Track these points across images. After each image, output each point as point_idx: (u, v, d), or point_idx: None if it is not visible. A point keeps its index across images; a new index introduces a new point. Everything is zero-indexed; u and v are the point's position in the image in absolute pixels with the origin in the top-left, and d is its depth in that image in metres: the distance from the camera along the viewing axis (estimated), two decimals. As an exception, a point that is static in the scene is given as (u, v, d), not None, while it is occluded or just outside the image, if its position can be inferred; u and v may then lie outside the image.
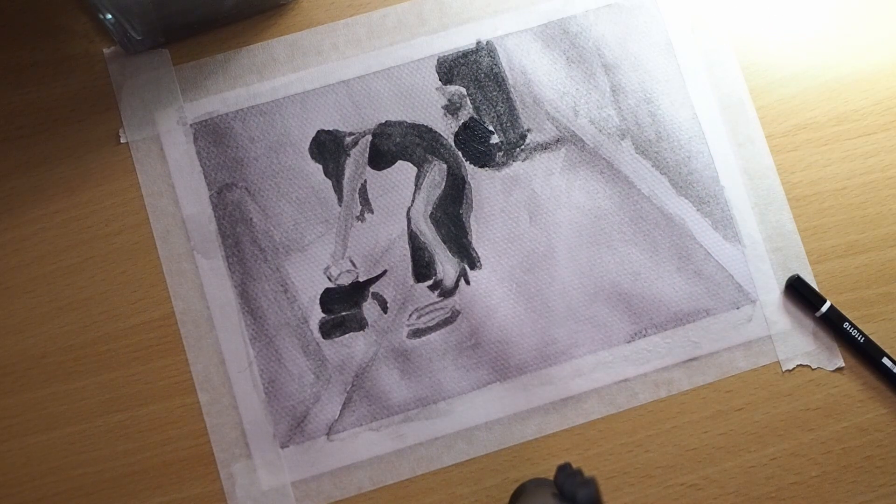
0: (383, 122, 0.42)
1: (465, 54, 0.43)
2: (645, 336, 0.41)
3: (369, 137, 0.42)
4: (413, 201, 0.42)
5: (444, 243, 0.42)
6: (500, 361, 0.41)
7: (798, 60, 0.44)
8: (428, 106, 0.43)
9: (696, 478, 0.41)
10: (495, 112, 0.43)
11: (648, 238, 0.42)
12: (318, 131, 0.42)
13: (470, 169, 0.42)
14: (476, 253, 0.42)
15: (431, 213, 0.42)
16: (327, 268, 0.41)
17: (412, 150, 0.42)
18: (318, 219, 0.42)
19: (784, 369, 0.41)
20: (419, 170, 0.42)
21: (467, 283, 0.41)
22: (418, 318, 0.41)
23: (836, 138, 0.43)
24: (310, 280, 0.41)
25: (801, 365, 0.41)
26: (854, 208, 0.42)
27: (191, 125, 0.42)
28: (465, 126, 0.43)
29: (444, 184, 0.42)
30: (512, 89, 0.43)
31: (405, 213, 0.42)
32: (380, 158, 0.42)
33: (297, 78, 0.43)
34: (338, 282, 0.41)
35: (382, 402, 0.41)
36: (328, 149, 0.42)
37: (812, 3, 0.44)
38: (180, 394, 0.40)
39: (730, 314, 0.42)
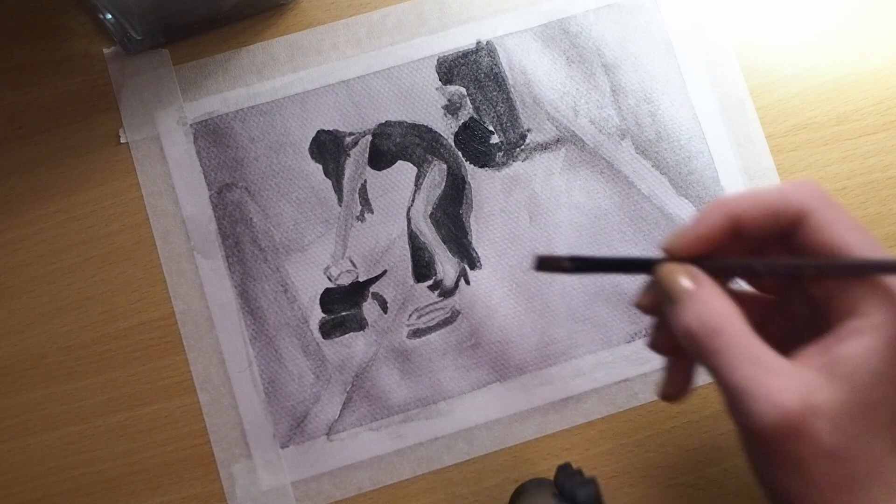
0: (383, 122, 0.42)
1: (465, 54, 0.43)
2: (645, 336, 0.41)
3: (369, 137, 0.42)
4: (413, 201, 0.42)
5: (444, 243, 0.42)
6: (500, 361, 0.41)
7: (798, 60, 0.44)
8: (428, 106, 0.43)
9: (695, 478, 0.41)
10: (495, 112, 0.43)
11: (648, 238, 0.42)
12: (318, 131, 0.42)
13: (470, 169, 0.42)
14: (476, 253, 0.42)
15: (431, 213, 0.42)
16: (327, 268, 0.41)
17: (412, 150, 0.42)
18: (318, 219, 0.42)
19: (784, 369, 0.41)
20: (419, 170, 0.42)
21: (467, 283, 0.41)
22: (418, 318, 0.41)
23: (836, 138, 0.43)
24: (310, 280, 0.41)
25: (801, 365, 0.41)
26: (854, 208, 0.42)
27: (191, 125, 0.42)
28: (465, 126, 0.43)
29: (444, 184, 0.42)
30: (512, 89, 0.43)
31: (405, 213, 0.42)
32: (380, 158, 0.42)
33: (297, 78, 0.43)
34: (338, 282, 0.41)
35: (382, 402, 0.41)
36: (328, 149, 0.42)
37: (812, 3, 0.44)
38: (180, 394, 0.40)
39: (730, 314, 0.41)
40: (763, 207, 0.29)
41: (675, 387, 0.34)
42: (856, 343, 0.27)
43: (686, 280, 0.30)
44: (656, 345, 0.34)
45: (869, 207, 0.42)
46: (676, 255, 0.30)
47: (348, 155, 0.42)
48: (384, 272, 0.42)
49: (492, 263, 0.42)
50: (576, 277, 0.42)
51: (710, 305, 0.29)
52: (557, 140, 0.43)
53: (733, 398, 0.29)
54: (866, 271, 0.26)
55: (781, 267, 0.29)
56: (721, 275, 0.30)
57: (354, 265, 0.42)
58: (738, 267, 0.30)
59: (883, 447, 0.28)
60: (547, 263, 0.32)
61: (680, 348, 0.30)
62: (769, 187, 0.30)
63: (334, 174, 0.42)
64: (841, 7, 0.44)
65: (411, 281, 0.41)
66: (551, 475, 0.37)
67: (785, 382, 0.27)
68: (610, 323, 0.41)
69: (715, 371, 0.29)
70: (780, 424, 0.27)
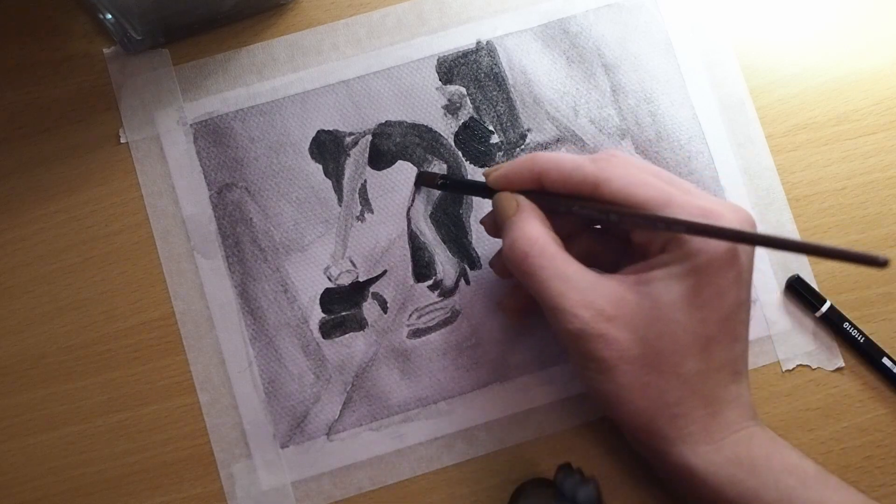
0: (383, 122, 0.42)
1: (465, 54, 0.43)
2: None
3: (369, 137, 0.42)
4: (413, 201, 0.42)
5: (444, 243, 0.42)
6: (501, 361, 0.41)
7: (798, 60, 0.44)
8: (428, 106, 0.43)
9: (696, 478, 0.40)
10: (495, 112, 0.43)
11: (648, 238, 0.42)
12: (318, 131, 0.42)
13: (470, 169, 0.42)
14: (476, 253, 0.42)
15: (431, 213, 0.42)
16: (327, 268, 0.41)
17: (412, 150, 0.42)
18: (318, 219, 0.42)
19: (784, 369, 0.41)
20: (419, 170, 0.42)
21: (467, 283, 0.41)
22: (418, 318, 0.41)
23: (836, 138, 0.43)
24: (310, 280, 0.41)
25: (801, 365, 0.41)
26: (854, 208, 0.42)
27: (191, 125, 0.42)
28: (465, 126, 0.43)
29: (444, 184, 0.42)
30: (512, 89, 0.43)
31: (405, 213, 0.42)
32: (380, 158, 0.42)
33: (297, 78, 0.43)
34: (338, 282, 0.41)
35: (382, 402, 0.41)
36: (328, 149, 0.42)
37: (812, 3, 0.44)
38: (180, 394, 0.40)
39: (730, 314, 0.41)
40: (561, 174, 0.33)
41: (513, 302, 0.38)
42: (662, 270, 0.32)
43: (510, 209, 0.34)
44: (493, 263, 0.39)
45: (869, 207, 0.42)
46: (512, 188, 0.35)
47: (348, 155, 0.42)
48: (384, 272, 0.42)
49: (492, 263, 0.42)
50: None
51: (523, 232, 0.33)
52: (557, 140, 0.43)
53: (548, 314, 0.33)
54: (653, 224, 0.31)
55: (596, 211, 0.33)
56: (557, 210, 0.34)
57: (354, 265, 0.42)
58: (566, 205, 0.34)
59: (695, 366, 0.32)
60: (424, 178, 0.39)
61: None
62: (574, 158, 0.34)
63: (334, 174, 0.42)
64: (841, 7, 0.44)
65: (411, 281, 0.41)
66: (551, 475, 0.37)
67: (587, 295, 0.32)
68: (610, 323, 0.41)
69: (532, 291, 0.33)
70: (580, 332, 0.31)
